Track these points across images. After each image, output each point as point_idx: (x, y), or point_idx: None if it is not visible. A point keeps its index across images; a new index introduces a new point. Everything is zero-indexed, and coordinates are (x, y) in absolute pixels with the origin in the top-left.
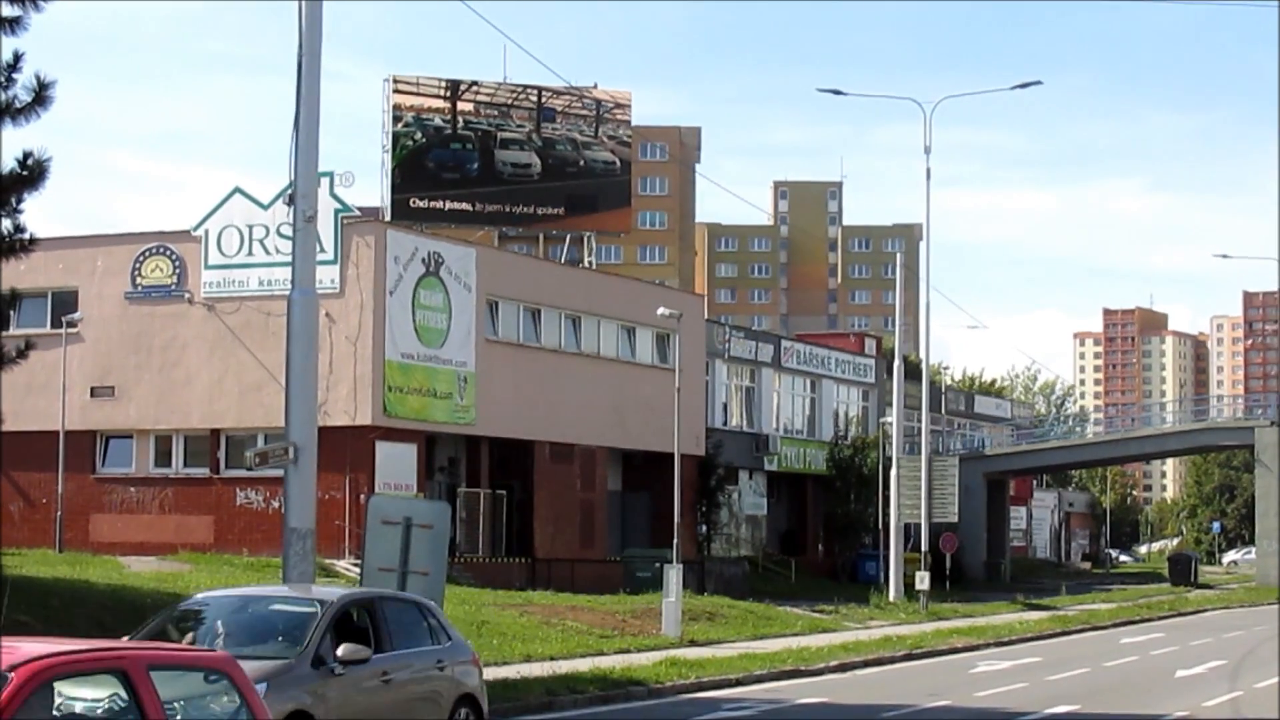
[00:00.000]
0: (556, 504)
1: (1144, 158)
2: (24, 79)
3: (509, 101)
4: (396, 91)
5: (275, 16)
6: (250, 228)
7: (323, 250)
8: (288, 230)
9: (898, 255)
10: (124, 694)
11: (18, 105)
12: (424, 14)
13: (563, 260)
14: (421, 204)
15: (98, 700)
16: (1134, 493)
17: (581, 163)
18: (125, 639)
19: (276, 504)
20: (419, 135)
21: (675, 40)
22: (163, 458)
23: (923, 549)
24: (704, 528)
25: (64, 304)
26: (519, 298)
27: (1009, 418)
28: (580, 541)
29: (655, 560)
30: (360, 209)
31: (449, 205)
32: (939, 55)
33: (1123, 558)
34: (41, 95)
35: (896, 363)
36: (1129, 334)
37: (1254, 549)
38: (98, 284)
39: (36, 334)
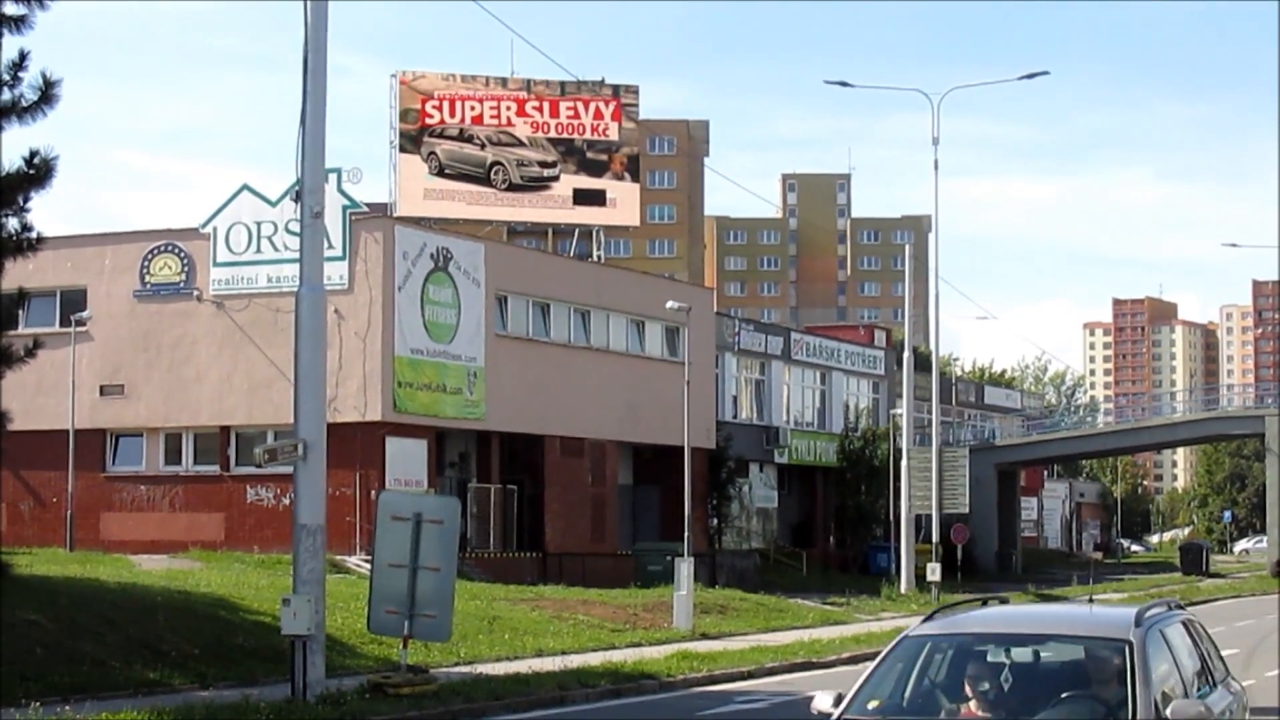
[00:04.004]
0: (567, 498)
1: (1152, 147)
2: (30, 78)
3: (518, 96)
4: (403, 86)
5: (281, 13)
6: (258, 225)
7: (331, 246)
8: (296, 227)
9: (906, 247)
10: None
11: (24, 104)
12: (430, 9)
13: (571, 254)
14: (430, 200)
15: None
16: (1145, 482)
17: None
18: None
19: (287, 501)
20: (418, 134)
21: (682, 33)
22: (173, 455)
23: (934, 540)
24: (715, 521)
25: (72, 303)
26: (528, 292)
27: (1019, 408)
28: (591, 536)
29: (666, 554)
30: (368, 205)
31: (457, 201)
32: (945, 46)
33: (1134, 547)
34: (47, 94)
35: (906, 354)
36: (1139, 324)
37: (1265, 538)
38: (106, 282)
39: (45, 333)
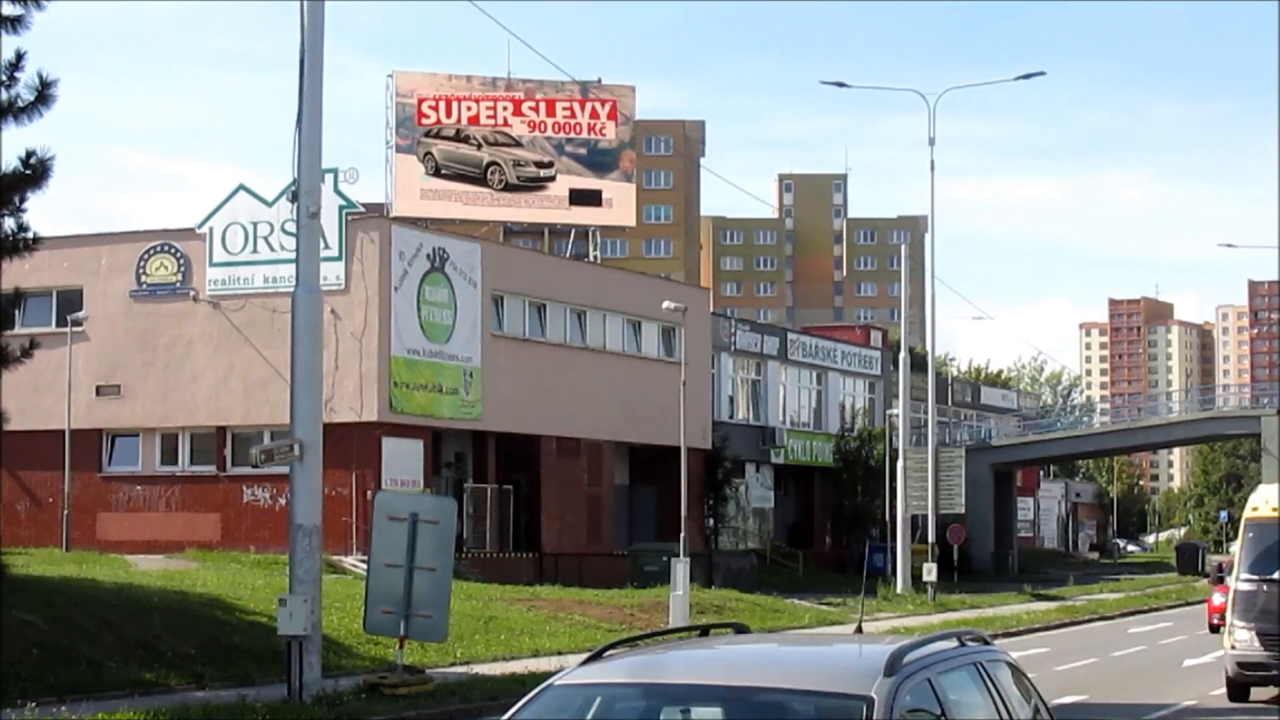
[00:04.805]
0: (563, 498)
1: (1148, 148)
2: (26, 78)
3: (514, 97)
4: (400, 86)
5: (278, 13)
6: (255, 225)
7: (327, 247)
8: (292, 227)
9: (903, 247)
10: None
11: (20, 104)
12: (426, 10)
13: (568, 255)
14: (426, 200)
15: None
16: (1141, 482)
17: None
18: None
19: (283, 501)
20: (415, 134)
21: (678, 34)
22: (169, 456)
23: (930, 540)
24: (711, 521)
25: (69, 303)
26: (524, 292)
27: (1015, 409)
28: (587, 536)
29: (663, 554)
30: (364, 205)
31: (454, 201)
32: (942, 47)
33: (1130, 547)
34: (44, 94)
35: (902, 354)
36: (1135, 324)
37: None
38: (102, 282)
39: (41, 333)
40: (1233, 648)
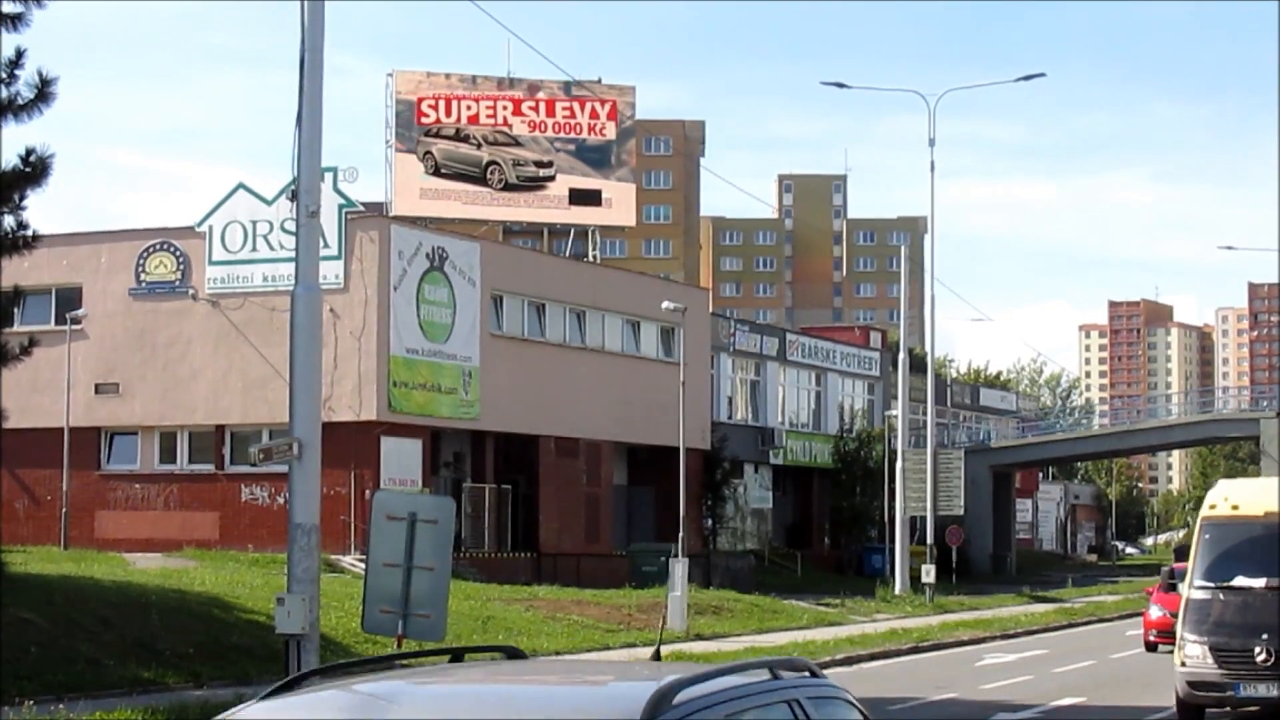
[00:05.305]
0: (562, 498)
1: (1148, 149)
2: (26, 75)
3: (515, 96)
4: (400, 85)
5: (278, 11)
6: (254, 223)
7: (326, 246)
8: (291, 226)
9: (902, 248)
10: None
11: (20, 102)
12: (427, 9)
13: (567, 254)
14: (426, 199)
15: None
16: (1140, 485)
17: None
18: None
19: (282, 500)
20: (415, 133)
21: (679, 34)
22: (167, 454)
23: (928, 542)
24: (709, 521)
25: (68, 301)
26: (523, 292)
27: (1014, 410)
28: (585, 536)
29: (661, 554)
30: (364, 204)
31: (453, 201)
32: (942, 48)
33: (1128, 550)
34: (44, 92)
35: (902, 356)
36: (1134, 326)
37: None
38: (102, 281)
39: (40, 331)
40: (1183, 664)
